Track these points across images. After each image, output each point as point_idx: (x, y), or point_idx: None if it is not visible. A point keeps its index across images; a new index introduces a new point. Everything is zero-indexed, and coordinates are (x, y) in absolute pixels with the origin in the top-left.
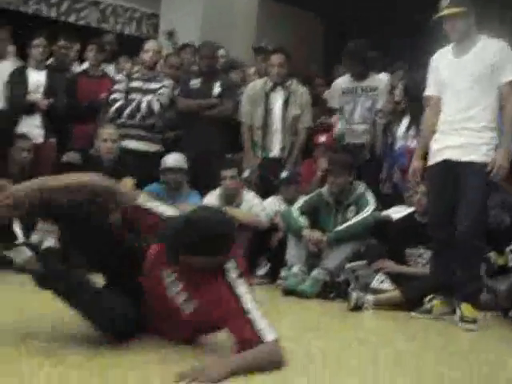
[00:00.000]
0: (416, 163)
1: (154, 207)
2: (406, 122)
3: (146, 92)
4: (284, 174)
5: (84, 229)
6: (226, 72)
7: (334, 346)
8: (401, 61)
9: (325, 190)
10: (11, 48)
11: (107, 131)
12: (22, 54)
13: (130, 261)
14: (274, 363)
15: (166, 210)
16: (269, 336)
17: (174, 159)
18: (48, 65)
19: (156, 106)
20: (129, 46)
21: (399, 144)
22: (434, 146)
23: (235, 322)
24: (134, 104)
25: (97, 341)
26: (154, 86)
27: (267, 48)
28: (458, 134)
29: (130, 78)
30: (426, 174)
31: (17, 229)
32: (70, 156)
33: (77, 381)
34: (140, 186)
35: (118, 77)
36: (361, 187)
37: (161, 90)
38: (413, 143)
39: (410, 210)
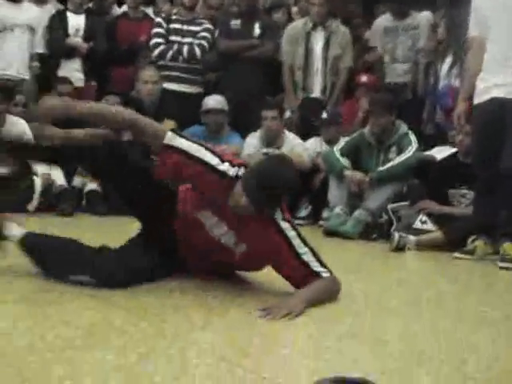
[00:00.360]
0: (461, 106)
1: (191, 150)
2: (449, 60)
3: (185, 34)
4: (325, 115)
5: (120, 169)
6: (269, 12)
7: (376, 288)
8: None
9: (367, 130)
10: None
11: (148, 73)
12: None
13: (166, 204)
14: (337, 292)
15: (204, 153)
16: (325, 274)
17: (214, 101)
18: (87, 8)
19: (198, 51)
20: None
21: (442, 83)
22: (481, 84)
23: (290, 266)
24: (175, 48)
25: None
26: (193, 28)
27: None
28: (505, 72)
29: (169, 20)
30: (471, 114)
31: (59, 174)
32: (111, 99)
33: (121, 321)
34: (181, 127)
35: (157, 19)
36: (403, 127)
37: (202, 34)
38: (456, 82)
39: (454, 150)
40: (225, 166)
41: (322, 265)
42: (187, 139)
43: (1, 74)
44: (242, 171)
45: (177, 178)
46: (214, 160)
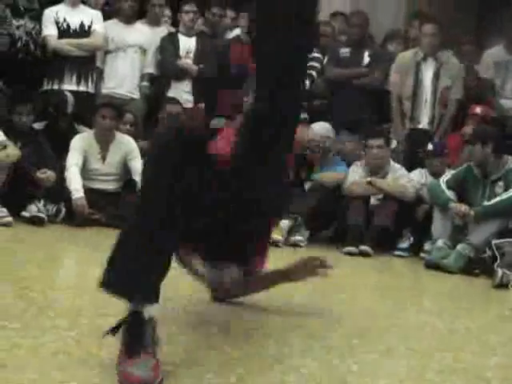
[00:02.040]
0: None
1: None
2: None
3: None
4: (430, 147)
5: None
6: (384, 43)
7: (477, 323)
8: None
9: (473, 163)
10: (167, 12)
11: None
12: (174, 20)
13: None
14: None
15: None
16: None
17: (321, 127)
18: (200, 32)
19: (307, 82)
20: None
21: None
22: None
23: None
24: None
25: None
26: None
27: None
28: None
29: None
30: None
31: None
32: (174, 108)
33: (222, 341)
34: None
35: None
36: (510, 161)
37: (311, 63)
38: None
39: None
40: None
41: None
42: None
43: (111, 93)
44: None
45: None
46: None
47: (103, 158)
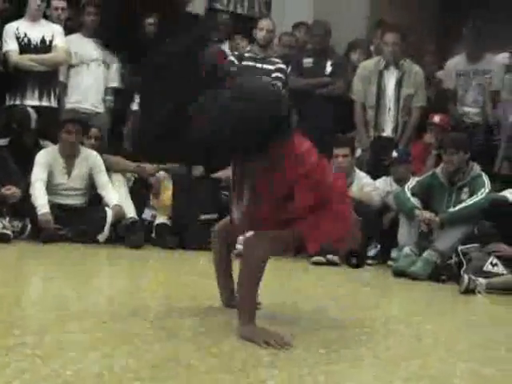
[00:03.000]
0: None
1: None
2: None
3: (258, 72)
4: (395, 154)
5: None
6: (347, 53)
7: (445, 330)
8: None
9: (439, 170)
10: None
11: None
12: None
13: None
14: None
15: None
16: None
17: None
18: None
19: None
20: (241, 26)
21: None
22: None
23: None
24: None
25: (207, 313)
26: (267, 66)
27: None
28: None
29: (241, 57)
30: None
31: (130, 206)
32: None
33: (188, 355)
34: None
35: (230, 58)
36: (476, 168)
37: (275, 74)
38: None
39: None
40: None
41: None
42: None
43: (76, 107)
44: None
45: None
46: None
47: (68, 173)
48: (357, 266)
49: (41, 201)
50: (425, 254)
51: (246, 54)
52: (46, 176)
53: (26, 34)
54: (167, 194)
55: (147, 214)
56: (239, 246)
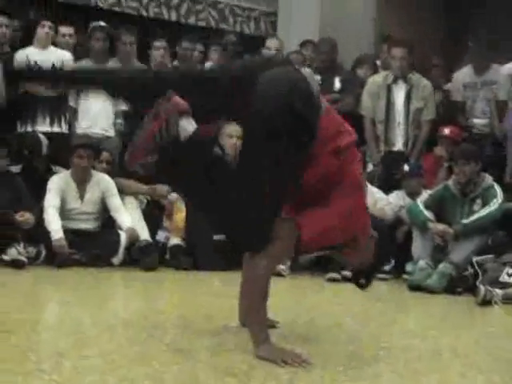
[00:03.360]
0: None
1: None
2: None
3: None
4: (406, 168)
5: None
6: (354, 68)
7: (462, 343)
8: None
9: (451, 182)
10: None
11: (233, 127)
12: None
13: None
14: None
15: None
16: None
17: None
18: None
19: None
20: (248, 46)
21: None
22: None
23: None
24: None
25: (224, 333)
26: None
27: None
28: None
29: None
30: None
31: (144, 228)
32: None
33: (205, 377)
34: None
35: None
36: (488, 179)
37: None
38: None
39: None
40: None
41: None
42: None
43: (87, 132)
44: None
45: None
46: None
47: (81, 198)
48: (362, 286)
49: (55, 226)
50: (440, 267)
51: None
52: (59, 201)
53: (35, 62)
54: (180, 215)
55: (161, 235)
56: None
